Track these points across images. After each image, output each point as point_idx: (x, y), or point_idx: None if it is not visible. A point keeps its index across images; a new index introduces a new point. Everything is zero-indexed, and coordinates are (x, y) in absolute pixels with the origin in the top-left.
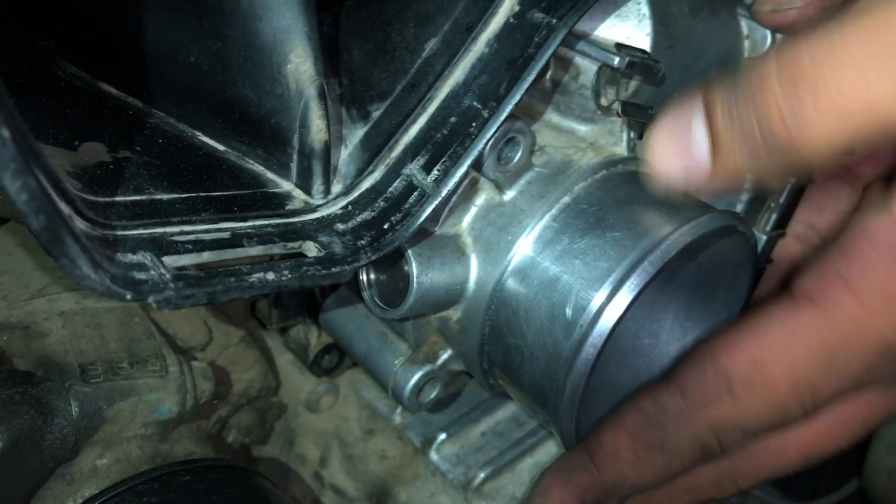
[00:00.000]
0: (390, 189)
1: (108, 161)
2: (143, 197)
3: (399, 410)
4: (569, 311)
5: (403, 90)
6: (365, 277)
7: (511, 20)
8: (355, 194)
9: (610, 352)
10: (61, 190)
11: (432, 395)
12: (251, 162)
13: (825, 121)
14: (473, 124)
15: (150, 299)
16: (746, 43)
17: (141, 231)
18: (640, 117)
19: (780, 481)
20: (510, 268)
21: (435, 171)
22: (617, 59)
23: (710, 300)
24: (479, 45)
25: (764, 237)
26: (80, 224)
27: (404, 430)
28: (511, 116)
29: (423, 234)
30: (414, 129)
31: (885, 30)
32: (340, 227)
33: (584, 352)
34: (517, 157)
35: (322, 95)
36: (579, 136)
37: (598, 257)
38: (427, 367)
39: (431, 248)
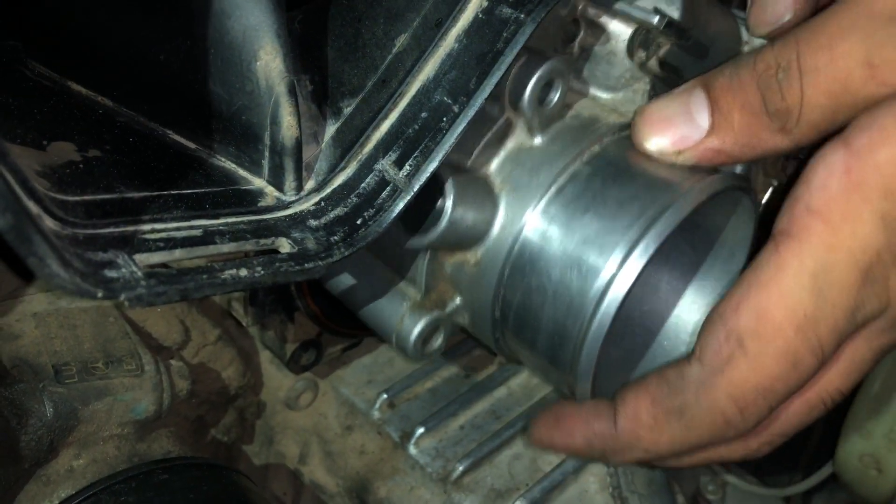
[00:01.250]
0: (363, 185)
1: (78, 160)
2: (114, 195)
3: (378, 406)
4: (600, 250)
5: (374, 86)
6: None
7: (480, 16)
8: (328, 190)
9: (625, 308)
10: (29, 189)
11: (437, 345)
12: (223, 159)
13: (810, 98)
14: (444, 119)
15: (122, 297)
16: (745, 49)
17: (112, 229)
18: (674, 75)
19: (754, 467)
20: (540, 207)
21: (407, 167)
22: (657, 18)
23: (710, 264)
24: (449, 40)
25: None
26: (49, 223)
27: (383, 425)
28: (547, 57)
29: (455, 168)
30: (385, 125)
31: (849, 15)
32: (313, 223)
33: (616, 285)
34: (556, 99)
35: (292, 92)
36: (601, 103)
37: (632, 198)
38: (436, 313)
39: (466, 180)
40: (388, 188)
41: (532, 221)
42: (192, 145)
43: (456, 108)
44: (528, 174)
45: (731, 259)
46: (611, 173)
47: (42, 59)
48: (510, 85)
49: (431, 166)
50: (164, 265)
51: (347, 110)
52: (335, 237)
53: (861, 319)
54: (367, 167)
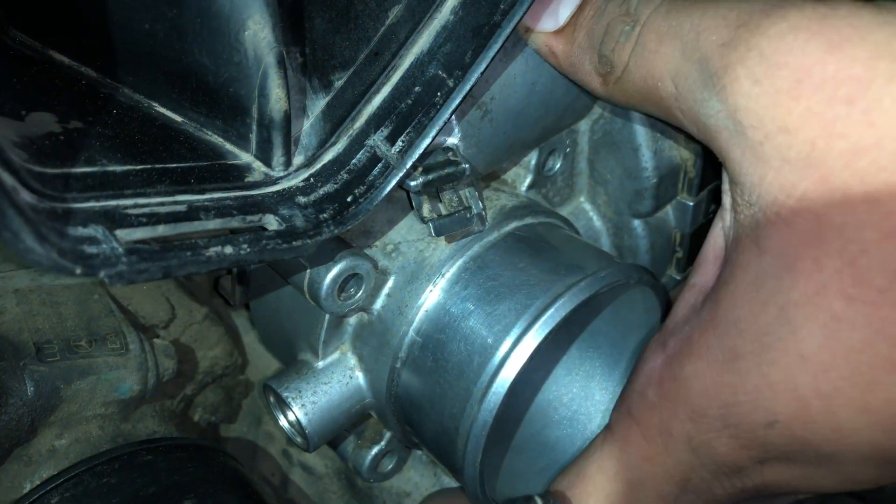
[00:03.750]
0: (353, 161)
1: (58, 132)
2: (96, 168)
3: None
4: (452, 416)
5: (366, 59)
6: (285, 420)
7: None
8: (317, 166)
9: (503, 417)
10: (4, 159)
11: (390, 466)
12: (209, 133)
13: (629, 64)
14: (439, 94)
15: (102, 274)
16: None
17: (93, 203)
18: (457, 229)
19: None
20: (395, 384)
21: (399, 143)
22: (413, 184)
23: (617, 351)
24: (444, 12)
25: (691, 203)
26: (25, 196)
27: None
28: (356, 254)
29: (305, 367)
30: (377, 99)
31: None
32: (302, 199)
33: (474, 434)
34: (358, 295)
35: (281, 63)
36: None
37: (465, 359)
38: (375, 449)
39: (315, 392)
40: (380, 165)
41: (393, 393)
42: (177, 118)
43: (451, 83)
44: (375, 354)
45: (637, 348)
46: (441, 342)
47: (23, 26)
48: (308, 281)
49: (424, 142)
50: (146, 241)
51: (338, 83)
52: (324, 214)
53: None
54: (357, 143)
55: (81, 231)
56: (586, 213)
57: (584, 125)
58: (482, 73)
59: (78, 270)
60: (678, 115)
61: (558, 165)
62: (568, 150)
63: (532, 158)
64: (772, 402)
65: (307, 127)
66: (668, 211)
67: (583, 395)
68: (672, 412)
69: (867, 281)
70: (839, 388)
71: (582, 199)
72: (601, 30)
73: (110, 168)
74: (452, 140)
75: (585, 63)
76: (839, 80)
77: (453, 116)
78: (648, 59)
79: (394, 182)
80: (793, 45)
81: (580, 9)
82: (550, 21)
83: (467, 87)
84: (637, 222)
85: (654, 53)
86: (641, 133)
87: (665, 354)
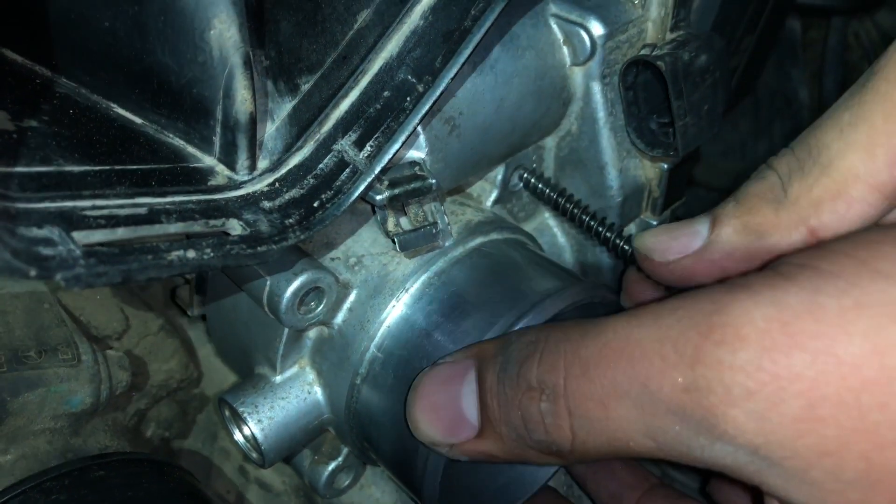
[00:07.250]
0: (320, 166)
1: (11, 129)
2: (51, 168)
3: None
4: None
5: (334, 63)
6: (241, 435)
7: None
8: (283, 171)
9: None
10: None
11: (347, 482)
12: (171, 135)
13: (578, 436)
14: (408, 99)
15: (58, 276)
16: (566, 50)
17: (48, 204)
18: (423, 244)
19: None
20: (354, 400)
21: (367, 148)
22: (378, 198)
23: None
24: (414, 16)
25: (654, 223)
26: None
27: None
28: (318, 266)
29: (262, 381)
30: (345, 104)
31: (623, 373)
32: (267, 204)
33: (434, 454)
34: (319, 309)
35: (248, 64)
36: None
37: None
38: (332, 464)
39: (272, 407)
40: (348, 170)
41: (352, 410)
42: (137, 120)
43: (420, 88)
44: (334, 369)
45: None
46: (403, 359)
47: None
48: (267, 293)
49: (393, 148)
50: (105, 244)
51: (305, 87)
52: (290, 220)
53: None
54: (325, 147)
55: (36, 232)
56: (550, 229)
57: (550, 142)
58: (452, 79)
59: (33, 272)
60: (671, 458)
61: None
62: (534, 165)
63: (498, 174)
64: None
65: (272, 130)
66: (632, 229)
67: None
68: None
69: None
70: None
71: (546, 214)
72: (517, 419)
73: (67, 168)
74: (419, 154)
75: (530, 451)
76: (859, 387)
77: (421, 130)
78: (602, 426)
79: (362, 188)
80: (775, 366)
81: (484, 404)
82: (464, 428)
83: (437, 93)
84: None
85: (605, 420)
86: (608, 151)
87: None
